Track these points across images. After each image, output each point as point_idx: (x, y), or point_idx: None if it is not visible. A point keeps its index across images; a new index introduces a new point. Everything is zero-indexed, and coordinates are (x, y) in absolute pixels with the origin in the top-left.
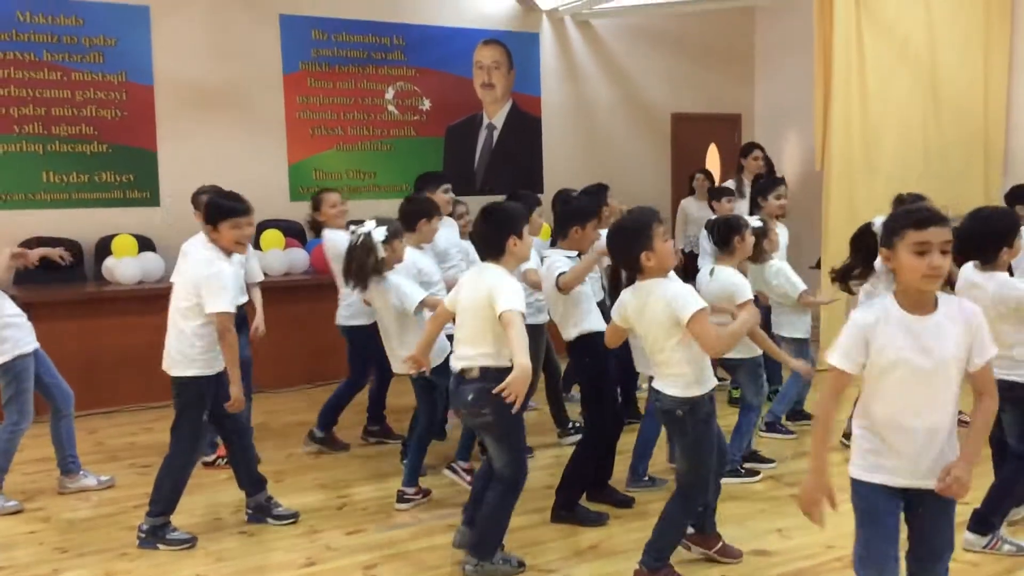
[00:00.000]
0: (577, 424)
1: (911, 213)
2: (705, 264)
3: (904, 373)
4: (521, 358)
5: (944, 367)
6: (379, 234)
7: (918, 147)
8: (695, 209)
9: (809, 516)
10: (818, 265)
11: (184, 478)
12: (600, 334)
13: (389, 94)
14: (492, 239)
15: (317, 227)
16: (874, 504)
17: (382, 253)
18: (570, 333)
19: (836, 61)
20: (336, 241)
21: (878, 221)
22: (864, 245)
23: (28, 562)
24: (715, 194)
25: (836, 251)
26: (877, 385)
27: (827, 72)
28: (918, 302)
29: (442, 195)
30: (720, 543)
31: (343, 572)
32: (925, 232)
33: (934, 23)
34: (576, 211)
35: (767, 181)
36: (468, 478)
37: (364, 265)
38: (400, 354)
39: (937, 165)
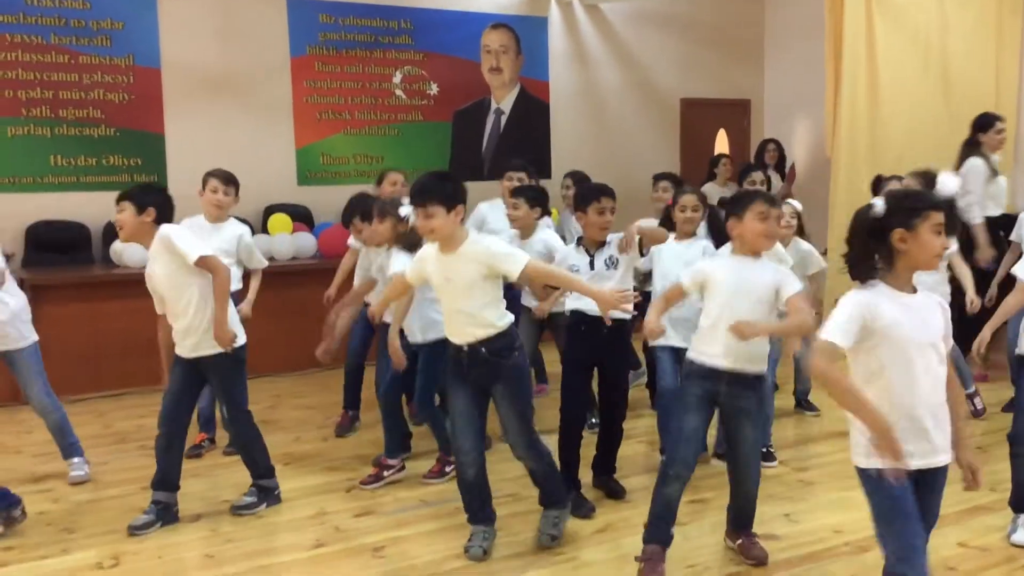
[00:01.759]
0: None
1: (928, 195)
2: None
3: (906, 348)
4: None
5: (936, 341)
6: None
7: (928, 135)
8: (716, 194)
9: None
10: (824, 252)
11: (160, 455)
12: (582, 314)
13: (396, 78)
14: None
15: None
16: (897, 490)
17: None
18: (566, 305)
19: (846, 47)
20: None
21: (879, 204)
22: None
23: (37, 542)
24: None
25: (841, 239)
26: (881, 366)
27: (837, 58)
28: (906, 282)
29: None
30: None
31: (352, 554)
32: (941, 214)
33: (945, 9)
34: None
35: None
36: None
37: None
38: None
39: (948, 152)
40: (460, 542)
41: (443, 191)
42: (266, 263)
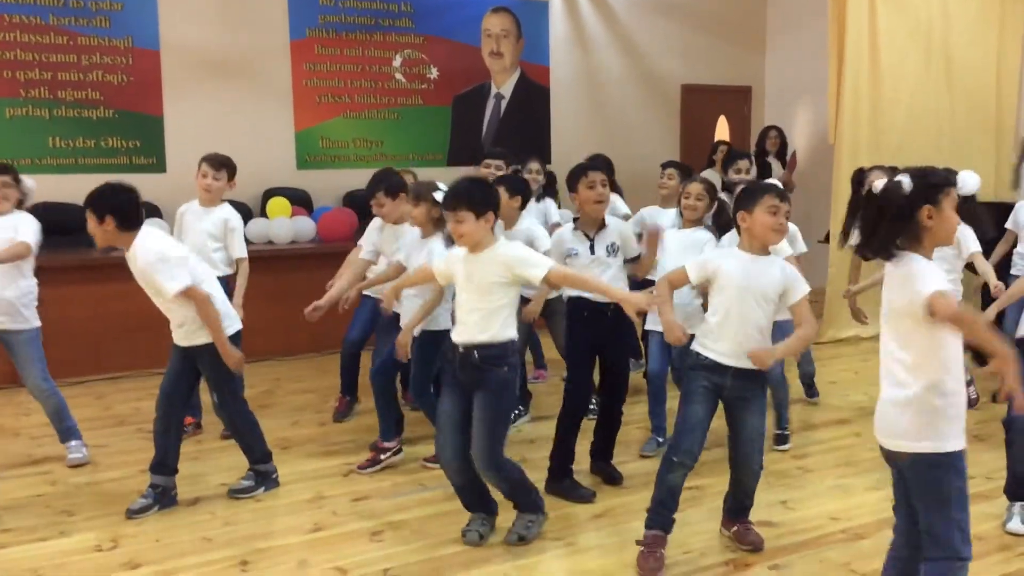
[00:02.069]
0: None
1: (943, 174)
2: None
3: None
4: None
5: None
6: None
7: (929, 124)
8: (715, 181)
9: None
10: (826, 239)
11: (158, 439)
12: (584, 300)
13: (396, 62)
14: None
15: None
16: (965, 471)
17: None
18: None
19: (849, 35)
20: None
21: (906, 181)
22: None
23: (35, 524)
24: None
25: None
26: (944, 339)
27: (840, 46)
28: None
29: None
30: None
31: (349, 538)
32: (955, 189)
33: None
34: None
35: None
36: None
37: None
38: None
39: (948, 142)
40: (458, 527)
41: (473, 197)
42: (246, 253)
